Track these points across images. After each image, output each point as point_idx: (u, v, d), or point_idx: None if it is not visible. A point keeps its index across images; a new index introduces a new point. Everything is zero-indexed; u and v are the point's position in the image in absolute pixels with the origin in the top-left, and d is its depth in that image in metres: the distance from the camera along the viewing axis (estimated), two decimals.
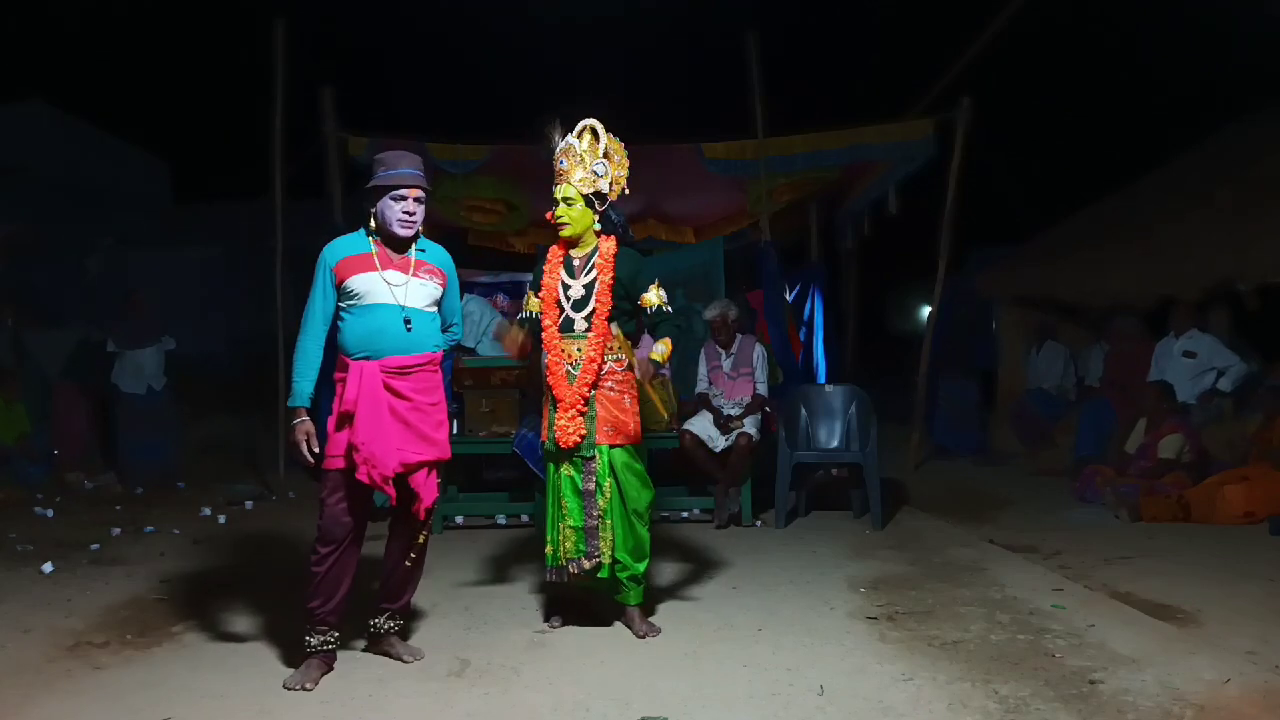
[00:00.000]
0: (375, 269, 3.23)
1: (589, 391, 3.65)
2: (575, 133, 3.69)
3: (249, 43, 8.53)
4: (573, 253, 3.77)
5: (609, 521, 3.65)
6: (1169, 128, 10.14)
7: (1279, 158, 7.33)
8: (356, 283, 3.21)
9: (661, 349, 3.71)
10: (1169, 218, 7.75)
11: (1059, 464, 7.63)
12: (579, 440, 3.63)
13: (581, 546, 3.65)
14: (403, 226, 3.25)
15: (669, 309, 3.79)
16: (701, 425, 5.91)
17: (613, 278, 3.67)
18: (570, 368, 3.66)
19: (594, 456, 3.66)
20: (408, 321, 3.22)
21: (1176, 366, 6.91)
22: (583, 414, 3.64)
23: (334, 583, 3.20)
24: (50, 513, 6.39)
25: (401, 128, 7.50)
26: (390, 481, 3.14)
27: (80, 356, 8.75)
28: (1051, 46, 11.74)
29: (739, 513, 5.89)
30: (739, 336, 6.17)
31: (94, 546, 5.33)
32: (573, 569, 3.66)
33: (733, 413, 5.95)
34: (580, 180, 3.65)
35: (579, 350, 3.66)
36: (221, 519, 6.21)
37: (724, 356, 6.16)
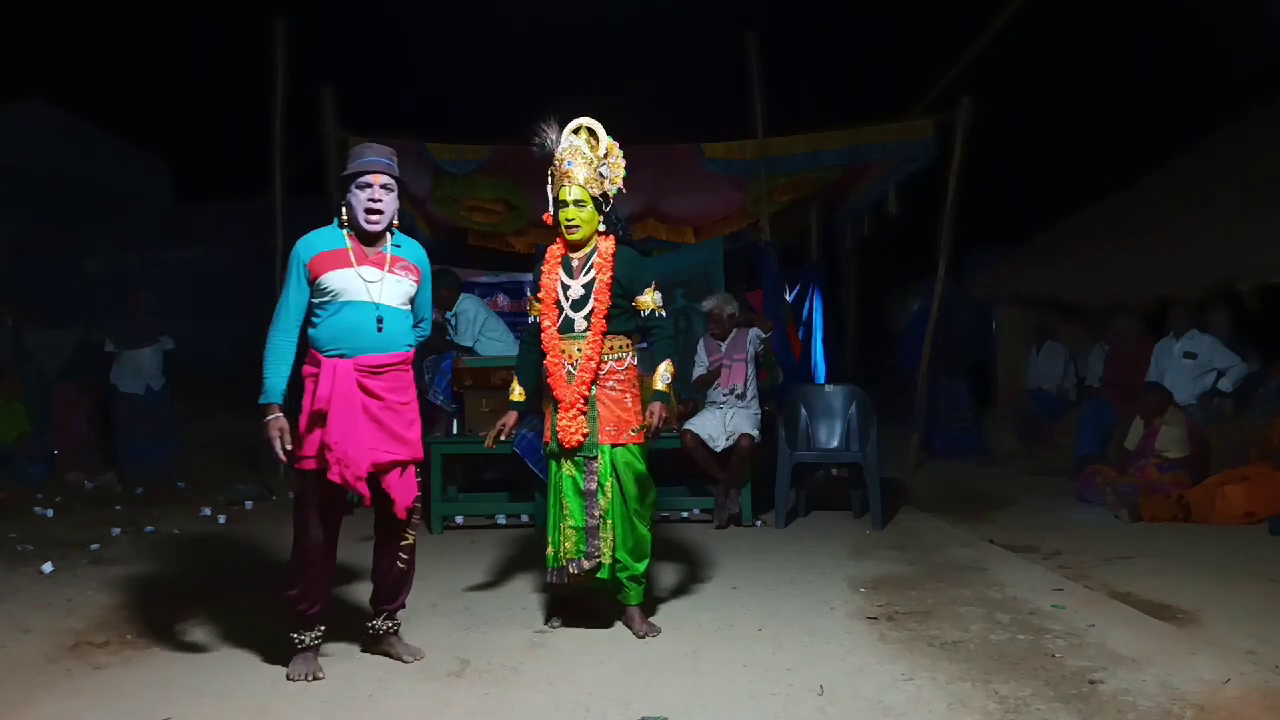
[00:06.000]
0: (350, 265, 3.17)
1: (588, 391, 3.64)
2: (571, 130, 3.67)
3: (249, 42, 8.52)
4: (571, 253, 3.76)
5: (609, 521, 3.65)
6: (1169, 128, 10.12)
7: (1279, 158, 7.32)
8: (331, 279, 3.15)
9: (665, 374, 3.72)
10: (1169, 218, 7.75)
11: (1059, 464, 7.62)
12: (582, 440, 3.63)
13: (582, 546, 3.64)
14: (368, 217, 3.18)
15: (663, 313, 3.76)
16: (703, 425, 5.91)
17: (611, 277, 3.67)
18: (570, 368, 3.66)
19: (596, 456, 3.65)
20: (380, 320, 3.18)
21: (1177, 367, 6.91)
22: (584, 413, 3.64)
23: (317, 582, 3.22)
24: (50, 513, 6.38)
25: (401, 128, 7.49)
26: (362, 481, 3.10)
27: (80, 356, 8.75)
28: (1051, 47, 11.72)
29: (739, 513, 5.89)
30: (734, 330, 6.18)
31: (94, 546, 5.32)
32: (573, 569, 3.65)
33: (728, 401, 5.95)
34: (587, 181, 3.63)
35: (579, 350, 3.65)
36: (221, 519, 6.21)
37: (722, 347, 6.17)
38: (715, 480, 5.87)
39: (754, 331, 6.15)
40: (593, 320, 3.65)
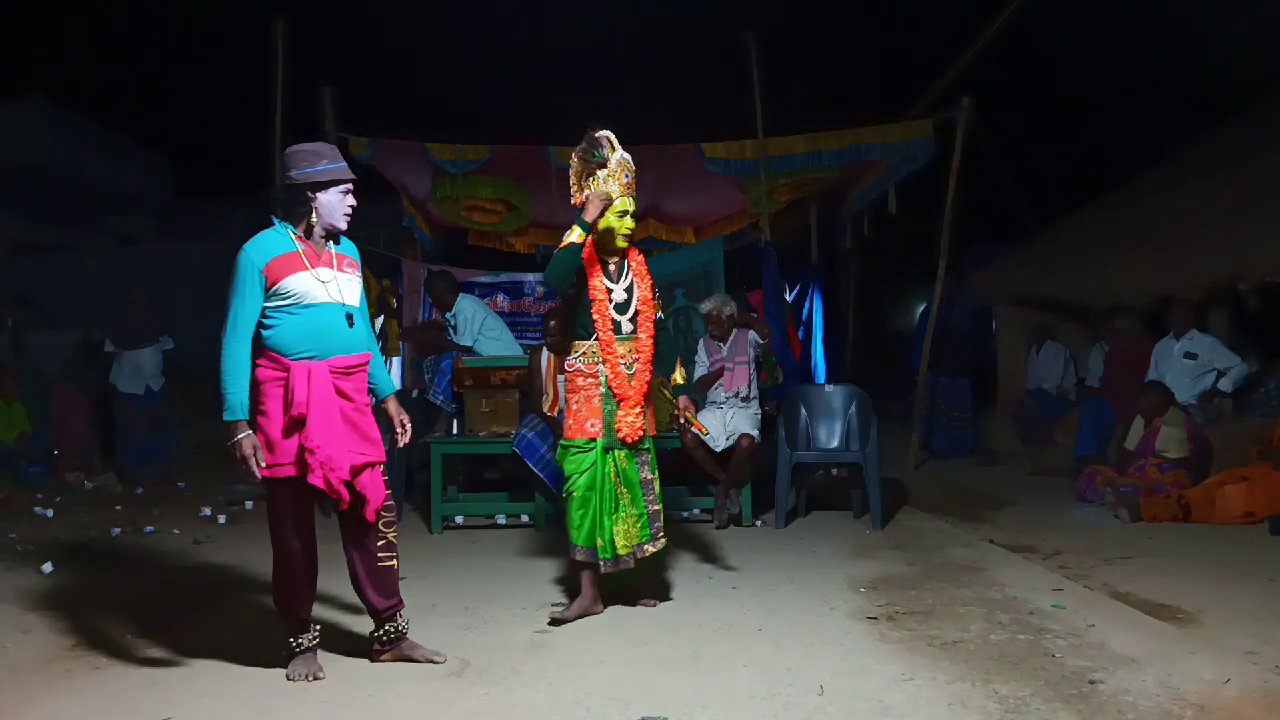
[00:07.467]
0: (306, 268, 3.14)
1: (648, 388, 3.92)
2: (598, 143, 3.82)
3: (249, 42, 8.53)
4: (606, 259, 3.94)
5: (660, 505, 3.95)
6: (1169, 127, 10.12)
7: (1279, 158, 7.32)
8: (292, 284, 3.11)
9: (681, 371, 4.14)
10: (1169, 217, 7.74)
11: (1059, 464, 7.62)
12: (642, 434, 3.89)
13: (646, 532, 3.89)
14: (348, 220, 3.23)
15: (663, 315, 4.09)
16: (703, 424, 5.89)
17: (651, 283, 3.98)
18: (626, 367, 3.88)
19: (649, 448, 3.99)
20: (350, 318, 3.19)
21: (1177, 368, 6.91)
22: (644, 409, 3.92)
23: (304, 588, 3.23)
24: (50, 513, 6.38)
25: (401, 128, 7.49)
26: (344, 484, 3.09)
27: (80, 356, 8.75)
28: (1051, 47, 11.73)
29: (739, 513, 5.89)
30: (734, 331, 6.18)
31: (94, 546, 5.32)
32: (639, 554, 3.88)
33: (729, 401, 5.95)
34: (631, 194, 3.87)
35: (630, 351, 3.90)
36: (221, 519, 6.21)
37: (722, 348, 6.17)
38: (715, 480, 5.87)
39: (751, 335, 6.15)
40: (643, 323, 3.95)
